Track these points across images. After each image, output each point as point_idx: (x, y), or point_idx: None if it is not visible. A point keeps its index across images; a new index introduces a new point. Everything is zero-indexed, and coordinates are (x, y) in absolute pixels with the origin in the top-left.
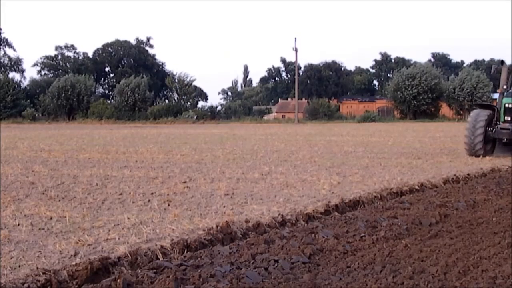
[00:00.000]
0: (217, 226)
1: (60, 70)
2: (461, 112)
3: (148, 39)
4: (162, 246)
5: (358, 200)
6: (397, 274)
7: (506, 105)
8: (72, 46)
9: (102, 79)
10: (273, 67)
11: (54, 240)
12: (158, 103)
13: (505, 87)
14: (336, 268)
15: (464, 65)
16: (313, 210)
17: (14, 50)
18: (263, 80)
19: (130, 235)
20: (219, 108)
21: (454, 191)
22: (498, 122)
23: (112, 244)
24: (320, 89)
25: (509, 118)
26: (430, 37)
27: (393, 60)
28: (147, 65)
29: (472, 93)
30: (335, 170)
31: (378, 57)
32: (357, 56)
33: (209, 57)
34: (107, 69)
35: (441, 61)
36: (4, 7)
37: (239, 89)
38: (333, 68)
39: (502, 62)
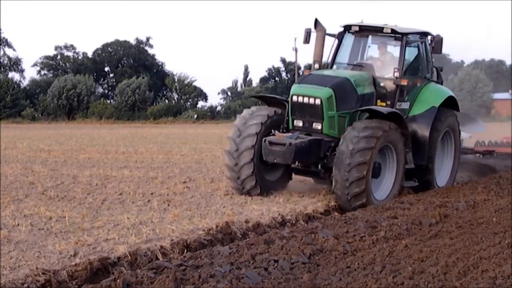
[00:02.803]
0: (217, 226)
1: (60, 70)
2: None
3: (147, 39)
4: (161, 246)
5: None
6: (397, 274)
7: (294, 99)
8: (72, 46)
9: (102, 79)
10: (273, 67)
11: (54, 240)
12: (158, 103)
13: (317, 66)
14: (336, 268)
15: (464, 65)
16: (313, 210)
17: (14, 50)
18: (263, 80)
19: (130, 235)
20: (219, 108)
21: (454, 191)
22: (283, 130)
23: (111, 244)
24: None
25: (300, 123)
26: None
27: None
28: (147, 65)
29: (472, 92)
30: None
31: None
32: None
33: (209, 57)
34: (106, 69)
35: (441, 61)
36: (4, 7)
37: (239, 89)
38: None
39: (316, 22)
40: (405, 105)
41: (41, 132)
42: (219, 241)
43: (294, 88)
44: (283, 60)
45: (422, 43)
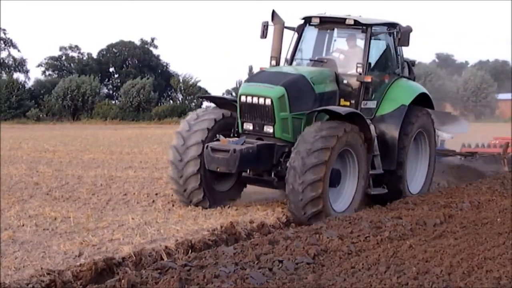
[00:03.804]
0: (221, 227)
1: (65, 71)
2: (465, 112)
3: (152, 40)
4: (166, 247)
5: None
6: (402, 274)
7: (242, 99)
8: (77, 46)
9: (107, 79)
10: None
11: (59, 240)
12: (163, 103)
13: (274, 62)
14: (341, 268)
15: (469, 65)
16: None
17: (19, 50)
18: None
19: (135, 235)
20: None
21: (459, 191)
22: (234, 135)
23: (116, 244)
24: None
25: (250, 126)
26: (434, 37)
27: (415, 63)
28: (152, 65)
29: (476, 93)
30: None
31: None
32: None
33: (213, 57)
34: (111, 69)
35: (445, 61)
36: (9, 7)
37: None
38: None
39: (273, 14)
40: (372, 104)
41: (46, 132)
42: (224, 241)
43: (243, 87)
44: (286, 60)
45: (390, 35)
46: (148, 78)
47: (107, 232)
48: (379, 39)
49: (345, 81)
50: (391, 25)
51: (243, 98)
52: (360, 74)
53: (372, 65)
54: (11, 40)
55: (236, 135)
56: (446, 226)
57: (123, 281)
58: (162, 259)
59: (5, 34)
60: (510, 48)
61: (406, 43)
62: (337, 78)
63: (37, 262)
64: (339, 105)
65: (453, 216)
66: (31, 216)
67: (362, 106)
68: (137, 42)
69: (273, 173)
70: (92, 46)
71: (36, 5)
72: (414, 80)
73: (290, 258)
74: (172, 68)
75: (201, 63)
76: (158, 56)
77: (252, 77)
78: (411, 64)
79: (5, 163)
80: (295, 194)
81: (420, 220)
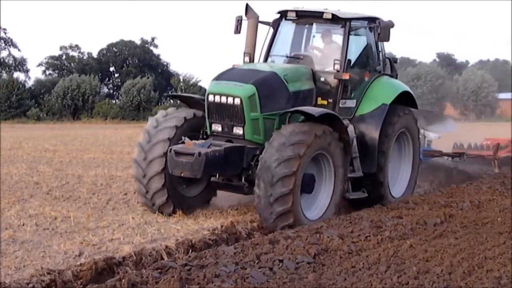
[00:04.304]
0: (222, 226)
1: (65, 70)
2: (466, 112)
3: (153, 39)
4: (166, 246)
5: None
6: (402, 274)
7: (210, 98)
8: (77, 46)
9: (107, 79)
10: None
11: (59, 240)
12: (163, 103)
13: (247, 59)
14: (341, 268)
15: (469, 65)
16: None
17: (19, 50)
18: None
19: (135, 235)
20: None
21: (459, 191)
22: (203, 136)
23: (116, 244)
24: None
25: (219, 127)
26: (435, 37)
27: (398, 60)
28: (152, 65)
29: (477, 92)
30: None
31: None
32: None
33: (214, 57)
34: (111, 69)
35: (446, 61)
36: (10, 7)
37: None
38: None
39: (247, 8)
40: (351, 103)
41: (46, 132)
42: (224, 240)
43: (211, 86)
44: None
45: (370, 30)
46: (148, 78)
47: (107, 231)
48: (359, 34)
49: (322, 79)
50: (371, 20)
51: (210, 97)
52: (338, 71)
53: (352, 62)
54: (11, 40)
55: (205, 136)
56: (446, 225)
57: (123, 280)
58: (162, 258)
59: (5, 33)
60: (510, 48)
61: (387, 38)
62: (314, 76)
63: (37, 261)
64: (316, 104)
65: (453, 215)
66: (31, 216)
67: (340, 105)
68: (138, 42)
69: (243, 178)
70: (93, 46)
71: (37, 5)
72: (396, 78)
73: (291, 257)
74: (173, 67)
75: (201, 63)
76: (159, 55)
77: (221, 75)
78: (393, 61)
79: (5, 163)
80: (264, 207)
81: (421, 220)
